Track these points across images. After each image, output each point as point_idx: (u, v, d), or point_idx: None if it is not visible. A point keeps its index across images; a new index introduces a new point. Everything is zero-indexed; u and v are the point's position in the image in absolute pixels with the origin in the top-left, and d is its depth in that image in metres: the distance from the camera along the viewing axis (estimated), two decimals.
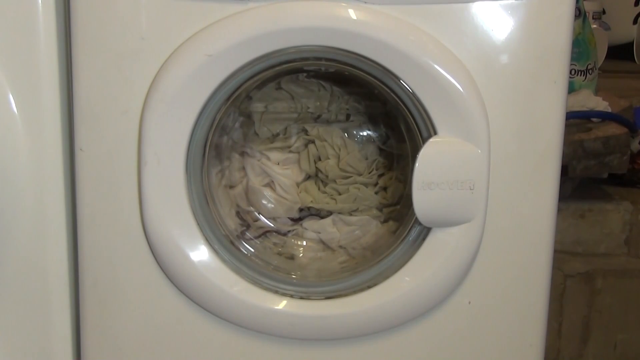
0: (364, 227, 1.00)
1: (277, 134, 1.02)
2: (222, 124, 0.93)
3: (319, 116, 1.02)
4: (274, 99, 1.00)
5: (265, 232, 1.00)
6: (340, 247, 1.00)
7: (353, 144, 1.01)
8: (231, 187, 1.00)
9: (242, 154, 1.01)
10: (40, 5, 0.82)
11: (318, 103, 1.02)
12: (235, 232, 0.95)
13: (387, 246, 0.89)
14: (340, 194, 1.00)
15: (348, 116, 1.03)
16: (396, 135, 1.00)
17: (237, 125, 0.99)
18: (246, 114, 1.00)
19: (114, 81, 0.81)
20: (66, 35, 0.84)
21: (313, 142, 1.01)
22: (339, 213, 1.00)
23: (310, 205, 1.01)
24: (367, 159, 1.02)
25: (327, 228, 1.00)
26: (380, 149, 1.03)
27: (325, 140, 1.00)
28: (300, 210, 1.02)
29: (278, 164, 1.01)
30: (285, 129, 1.02)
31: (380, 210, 1.01)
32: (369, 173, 1.01)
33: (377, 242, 0.98)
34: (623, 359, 1.34)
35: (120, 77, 0.81)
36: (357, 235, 1.00)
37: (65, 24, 0.84)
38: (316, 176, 1.02)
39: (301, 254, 0.99)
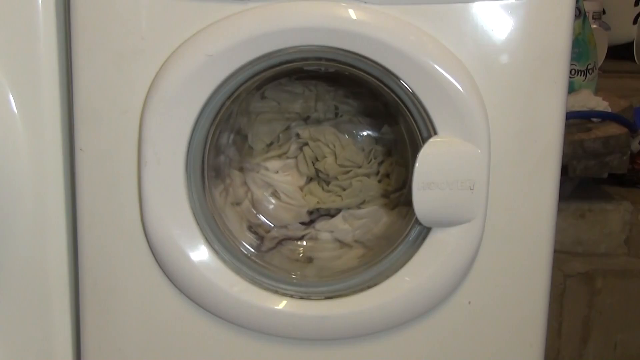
0: (374, 218, 1.00)
1: (271, 143, 1.02)
2: (216, 143, 0.93)
3: (308, 117, 1.02)
4: (261, 109, 1.00)
5: (281, 241, 1.00)
6: (356, 241, 0.99)
7: (346, 138, 1.01)
8: (237, 204, 1.00)
9: (241, 169, 1.01)
10: (40, 5, 0.82)
11: (305, 104, 1.02)
12: (251, 247, 0.94)
13: (401, 231, 0.88)
14: (344, 190, 1.00)
15: (337, 112, 1.03)
16: (389, 120, 1.00)
17: (230, 142, 0.99)
18: (236, 130, 1.00)
19: (114, 81, 0.81)
20: (66, 35, 0.84)
21: (307, 144, 1.01)
22: (348, 209, 1.00)
23: (318, 206, 1.01)
24: (363, 150, 1.02)
25: (339, 225, 1.00)
26: (376, 137, 1.03)
27: (319, 140, 1.00)
28: (310, 212, 1.02)
29: (277, 172, 1.01)
30: (278, 136, 1.02)
31: (387, 197, 1.01)
32: (368, 163, 1.01)
33: (390, 228, 0.97)
34: (623, 359, 1.34)
35: (120, 77, 0.81)
36: (369, 227, 1.00)
37: (65, 24, 0.84)
38: (317, 177, 1.02)
39: (319, 255, 0.99)
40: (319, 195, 1.01)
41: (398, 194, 1.00)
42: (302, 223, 1.02)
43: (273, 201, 1.00)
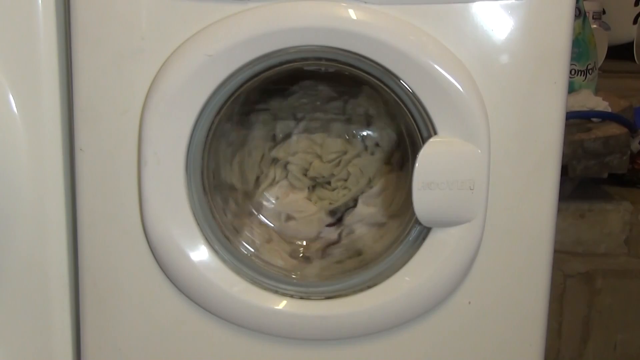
0: (391, 187, 0.99)
1: (257, 178, 1.02)
2: (221, 206, 0.92)
3: (274, 137, 1.02)
4: (229, 152, 0.99)
5: (325, 250, 0.99)
6: (388, 217, 0.98)
7: (319, 134, 1.01)
8: (268, 241, 0.99)
9: (250, 214, 1.00)
10: (40, 5, 0.82)
11: (266, 128, 1.01)
12: (299, 269, 0.94)
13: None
14: (346, 180, 1.00)
15: (297, 118, 1.02)
16: (351, 91, 0.99)
17: (227, 198, 0.98)
18: (219, 186, 0.98)
19: (114, 81, 0.81)
20: (66, 35, 0.84)
21: (288, 162, 1.01)
22: (361, 193, 1.00)
23: (332, 207, 1.01)
24: (340, 135, 1.01)
25: (364, 212, 0.99)
26: (346, 117, 1.02)
27: (296, 152, 1.00)
28: (333, 212, 1.02)
29: (277, 198, 1.01)
30: (260, 168, 1.02)
31: (389, 162, 1.00)
32: (352, 144, 1.01)
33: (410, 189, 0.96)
34: (623, 359, 1.34)
35: (120, 77, 0.81)
36: (391, 197, 0.99)
37: (65, 24, 0.84)
38: (316, 183, 1.02)
39: (364, 245, 0.98)
40: (328, 197, 1.01)
41: (398, 154, 0.99)
42: (330, 225, 1.01)
43: (292, 223, 1.00)
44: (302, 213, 1.00)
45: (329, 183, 1.02)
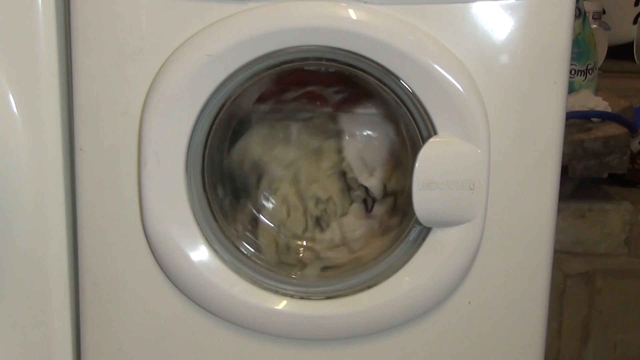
0: (354, 148, 0.99)
1: (281, 256, 0.99)
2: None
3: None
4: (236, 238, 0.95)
5: (390, 219, 0.98)
6: (395, 163, 0.97)
7: (264, 209, 0.99)
8: (351, 252, 0.99)
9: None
10: (40, 5, 0.82)
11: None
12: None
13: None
14: (328, 199, 0.99)
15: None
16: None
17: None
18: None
19: (114, 81, 0.81)
20: (66, 35, 0.84)
21: (277, 244, 0.99)
22: (354, 181, 0.99)
23: (343, 214, 1.00)
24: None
25: (374, 183, 0.98)
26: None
27: (267, 233, 0.98)
28: (367, 202, 1.01)
29: (317, 256, 0.98)
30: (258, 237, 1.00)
31: (326, 137, 0.99)
32: (287, 179, 1.00)
33: (393, 147, 0.96)
34: (623, 359, 1.34)
35: (120, 77, 0.81)
36: (375, 154, 0.98)
37: (65, 24, 0.84)
38: (318, 224, 1.01)
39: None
40: (331, 216, 1.00)
41: (320, 123, 0.97)
42: (369, 212, 1.00)
43: (344, 244, 0.99)
44: (337, 233, 0.99)
45: (320, 216, 1.01)
